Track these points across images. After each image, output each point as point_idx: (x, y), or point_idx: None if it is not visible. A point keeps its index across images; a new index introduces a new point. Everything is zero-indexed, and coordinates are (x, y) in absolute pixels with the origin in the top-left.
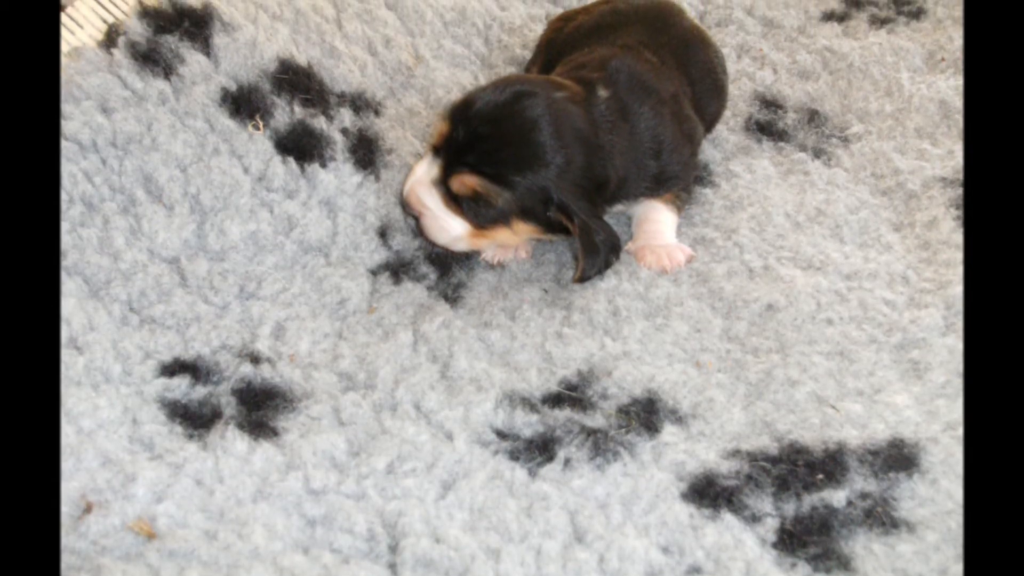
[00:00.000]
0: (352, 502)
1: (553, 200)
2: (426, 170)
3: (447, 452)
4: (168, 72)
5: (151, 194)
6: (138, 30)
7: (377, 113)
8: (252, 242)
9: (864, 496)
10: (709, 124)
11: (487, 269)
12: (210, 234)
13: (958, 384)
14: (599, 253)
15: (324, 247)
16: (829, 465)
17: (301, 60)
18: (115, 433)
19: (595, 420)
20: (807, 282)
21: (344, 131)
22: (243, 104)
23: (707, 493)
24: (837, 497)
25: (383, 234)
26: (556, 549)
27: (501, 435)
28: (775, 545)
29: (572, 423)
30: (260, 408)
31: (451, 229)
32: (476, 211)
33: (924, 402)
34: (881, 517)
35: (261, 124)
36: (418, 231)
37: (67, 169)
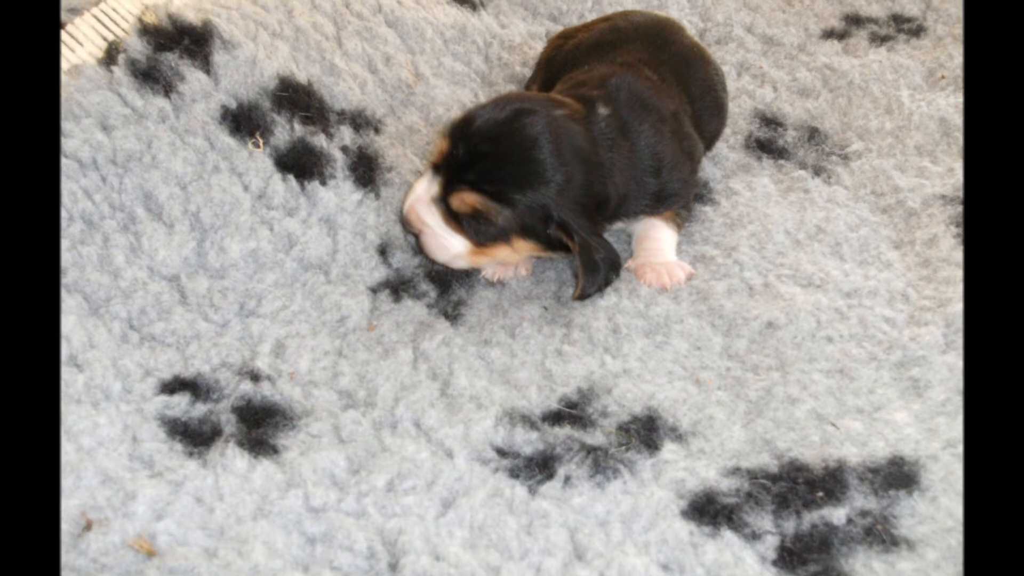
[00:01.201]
0: (352, 520)
1: (553, 218)
2: (426, 188)
3: (447, 470)
4: (168, 90)
5: (151, 212)
6: (138, 48)
7: (377, 131)
8: (252, 260)
9: (864, 514)
10: (709, 142)
11: (487, 287)
12: (210, 252)
13: (958, 402)
14: (599, 271)
15: (324, 265)
16: (829, 483)
17: (301, 78)
18: (115, 451)
19: (595, 438)
20: (807, 300)
21: (344, 149)
22: (243, 122)
23: (707, 511)
24: (837, 515)
25: (383, 252)
26: (556, 567)
27: (501, 453)
28: (775, 563)
29: (572, 441)
30: (260, 426)
31: (451, 247)
32: (476, 229)
33: (924, 420)
34: (881, 535)
35: (261, 142)
36: (418, 249)
37: (67, 187)
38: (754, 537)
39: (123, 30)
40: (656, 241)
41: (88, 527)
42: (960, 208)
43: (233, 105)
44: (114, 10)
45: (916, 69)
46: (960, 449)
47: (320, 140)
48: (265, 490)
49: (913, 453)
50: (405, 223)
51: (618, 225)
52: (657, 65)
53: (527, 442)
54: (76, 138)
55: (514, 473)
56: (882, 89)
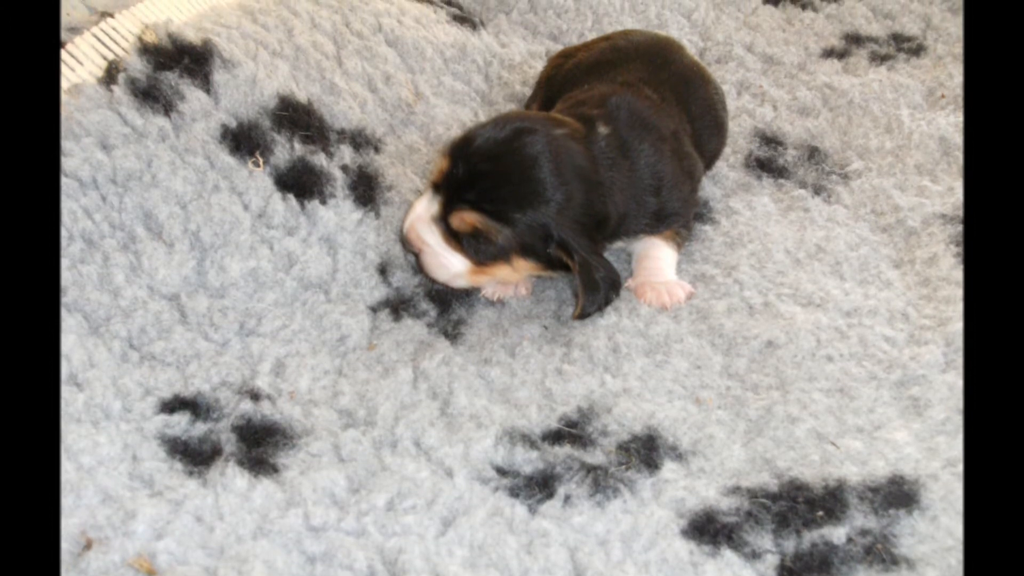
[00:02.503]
0: (352, 539)
1: (553, 237)
2: (426, 207)
3: (447, 489)
4: (168, 109)
5: (151, 231)
6: (138, 67)
7: (377, 150)
8: (252, 279)
9: (864, 533)
10: (709, 161)
11: (487, 306)
12: (210, 271)
13: (958, 421)
14: (599, 290)
15: (324, 284)
16: (829, 502)
17: (301, 97)
18: (115, 470)
19: (595, 457)
20: (807, 319)
21: (344, 168)
22: (243, 141)
23: (707, 530)
24: (837, 534)
25: (383, 271)
26: None
27: (501, 472)
28: None
29: (572, 460)
30: (260, 445)
31: (451, 266)
32: (476, 248)
33: (924, 439)
34: (881, 554)
35: (261, 161)
36: (418, 268)
37: (67, 206)
38: (754, 556)
39: (123, 49)
40: (656, 260)
41: (88, 546)
42: (960, 227)
43: (233, 124)
44: (114, 29)
45: (916, 88)
46: (960, 468)
47: (320, 159)
48: (265, 509)
49: (913, 472)
50: (405, 242)
51: (618, 244)
52: (657, 84)
53: (527, 461)
54: (76, 157)
55: (514, 492)
56: (882, 108)
